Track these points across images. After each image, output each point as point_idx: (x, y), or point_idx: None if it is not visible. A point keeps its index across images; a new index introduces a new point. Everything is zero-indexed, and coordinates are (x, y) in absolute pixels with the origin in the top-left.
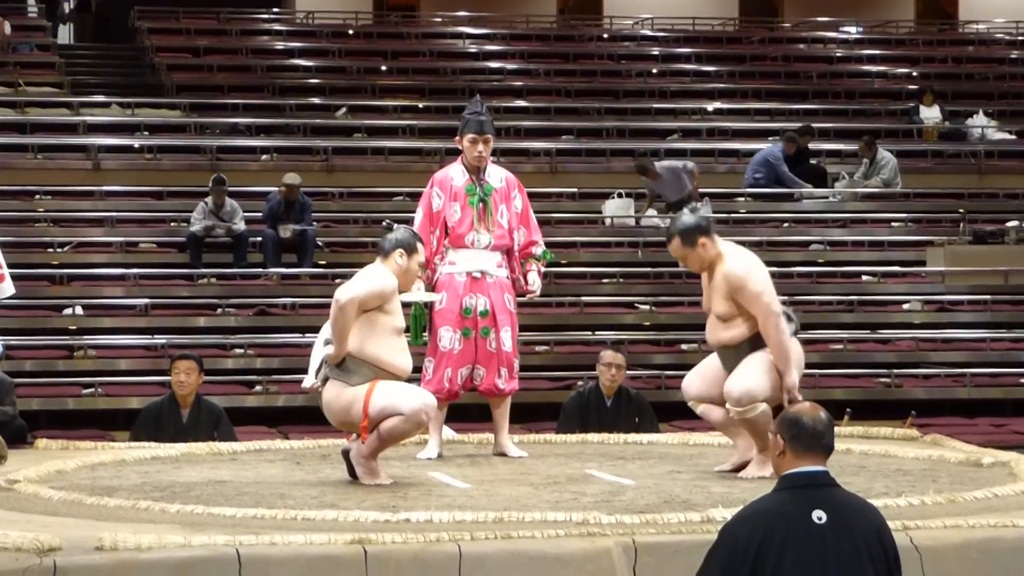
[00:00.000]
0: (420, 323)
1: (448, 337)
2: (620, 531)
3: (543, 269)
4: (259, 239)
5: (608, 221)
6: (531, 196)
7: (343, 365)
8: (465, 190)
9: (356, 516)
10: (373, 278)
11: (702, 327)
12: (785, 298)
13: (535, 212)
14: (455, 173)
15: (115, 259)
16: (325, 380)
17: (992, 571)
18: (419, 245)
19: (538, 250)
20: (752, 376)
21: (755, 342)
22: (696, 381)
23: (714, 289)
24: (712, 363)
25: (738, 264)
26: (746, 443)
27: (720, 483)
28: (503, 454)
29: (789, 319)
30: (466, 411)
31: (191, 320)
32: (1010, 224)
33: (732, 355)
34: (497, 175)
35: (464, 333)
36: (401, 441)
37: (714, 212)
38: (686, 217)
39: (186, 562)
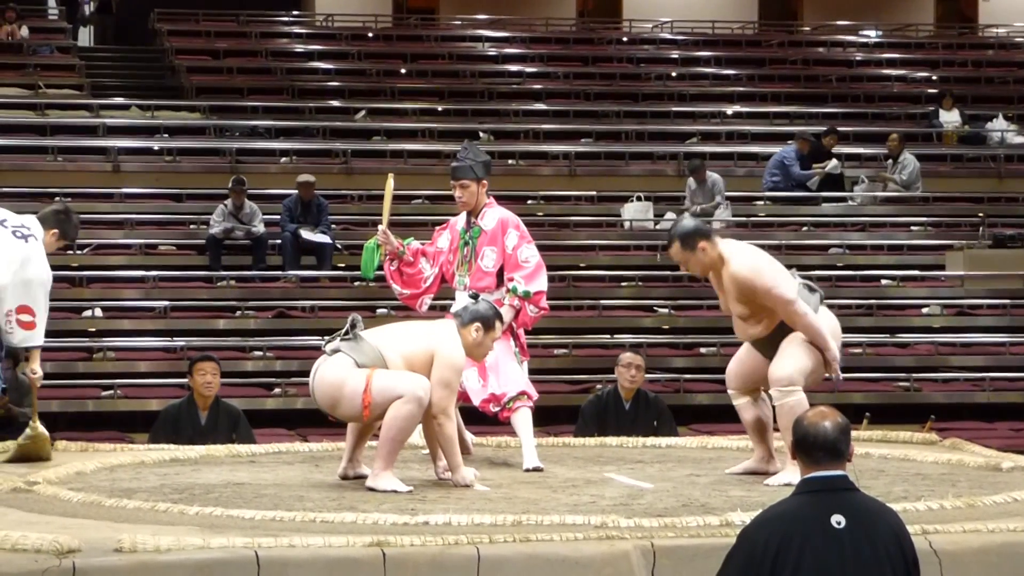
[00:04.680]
0: (372, 261)
1: None
2: (639, 534)
3: (516, 303)
4: (278, 241)
5: (626, 224)
6: (549, 199)
7: (363, 346)
8: (460, 233)
9: (375, 519)
10: (452, 368)
11: (721, 330)
12: (795, 269)
13: (553, 215)
14: (463, 216)
15: (134, 261)
16: (335, 352)
17: None
18: (497, 323)
19: (511, 285)
20: (796, 360)
21: (784, 327)
22: (736, 370)
23: (726, 292)
24: (748, 353)
25: (742, 264)
26: (763, 453)
27: (739, 487)
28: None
29: (811, 290)
30: (484, 415)
31: (210, 322)
32: None
33: (767, 343)
34: (493, 217)
35: None
36: (411, 426)
37: (733, 216)
38: (686, 221)
39: (205, 564)
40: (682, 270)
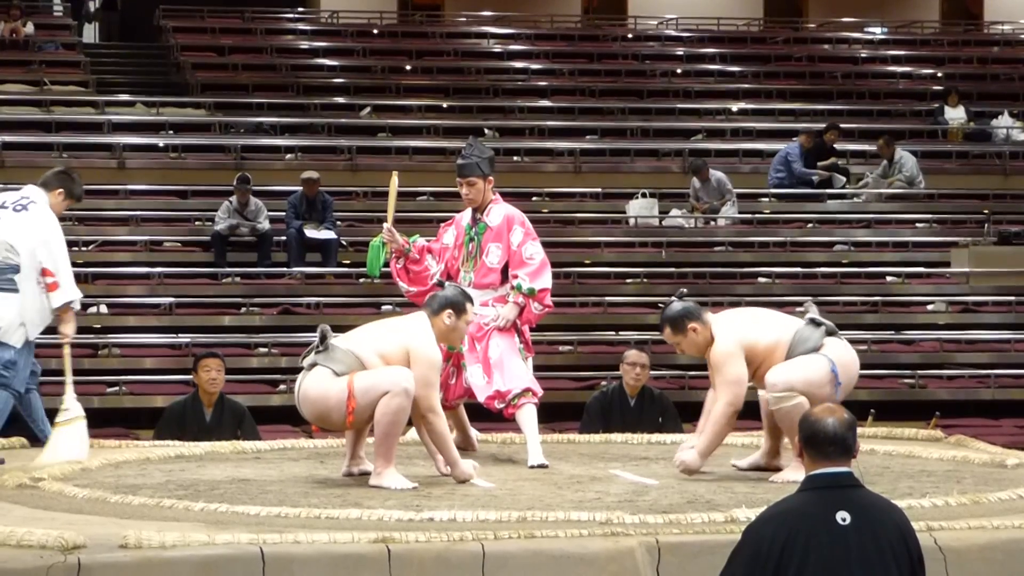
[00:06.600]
0: (378, 259)
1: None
2: (643, 531)
3: (521, 300)
4: (283, 238)
5: (632, 221)
6: (554, 196)
7: (336, 354)
8: (465, 229)
9: (380, 515)
10: (429, 365)
11: None
12: (810, 298)
13: (558, 212)
14: (468, 212)
15: (139, 258)
16: (312, 366)
17: (1017, 573)
18: (468, 305)
19: (515, 282)
20: (795, 370)
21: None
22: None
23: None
24: None
25: (717, 346)
26: (771, 447)
27: (744, 483)
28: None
29: (817, 325)
30: (488, 411)
31: (215, 319)
32: None
33: None
34: (499, 213)
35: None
36: (402, 418)
37: (739, 212)
38: (674, 304)
39: (210, 560)
40: (677, 352)
